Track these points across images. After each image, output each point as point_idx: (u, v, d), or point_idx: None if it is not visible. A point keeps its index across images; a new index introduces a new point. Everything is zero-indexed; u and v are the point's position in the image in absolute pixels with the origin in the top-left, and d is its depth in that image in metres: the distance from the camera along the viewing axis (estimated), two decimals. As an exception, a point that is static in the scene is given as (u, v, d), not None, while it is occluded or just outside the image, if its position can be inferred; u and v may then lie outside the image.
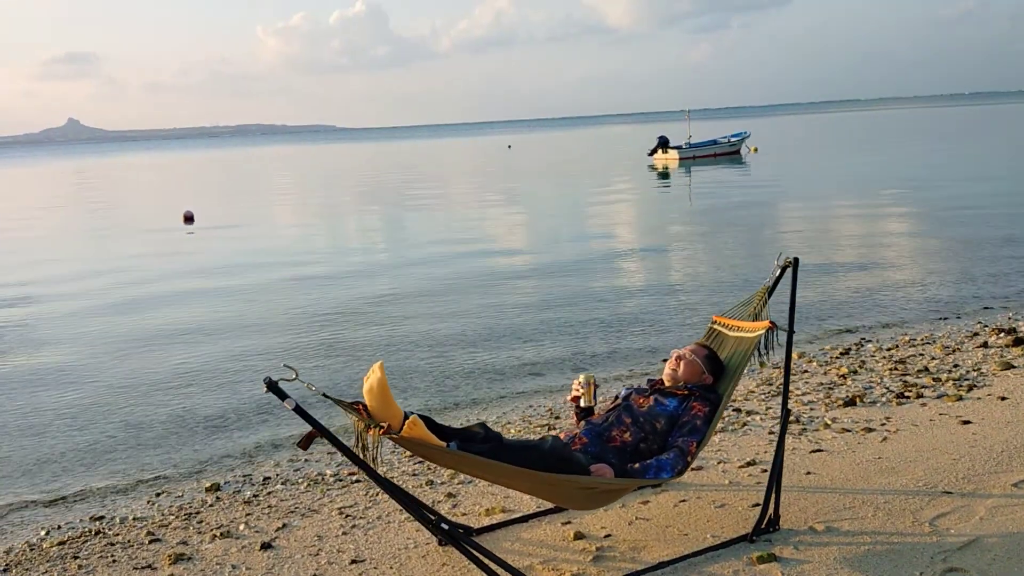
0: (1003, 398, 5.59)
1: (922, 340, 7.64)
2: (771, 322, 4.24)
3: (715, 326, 4.62)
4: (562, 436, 4.09)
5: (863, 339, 7.93)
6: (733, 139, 42.02)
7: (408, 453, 5.55)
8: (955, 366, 6.55)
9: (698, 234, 16.39)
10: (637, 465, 3.84)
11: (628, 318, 9.42)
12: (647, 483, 3.89)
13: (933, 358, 6.88)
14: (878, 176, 27.28)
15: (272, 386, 3.36)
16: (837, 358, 7.24)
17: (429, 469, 5.26)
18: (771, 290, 4.48)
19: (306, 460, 5.85)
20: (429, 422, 3.78)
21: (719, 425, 5.41)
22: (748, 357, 4.24)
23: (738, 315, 4.55)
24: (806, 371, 6.83)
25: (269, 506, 4.92)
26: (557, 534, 4.13)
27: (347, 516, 4.61)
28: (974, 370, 6.38)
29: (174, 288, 12.92)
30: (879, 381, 6.33)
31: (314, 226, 21.95)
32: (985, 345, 7.10)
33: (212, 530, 4.59)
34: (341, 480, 5.26)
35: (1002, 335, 7.40)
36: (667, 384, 4.27)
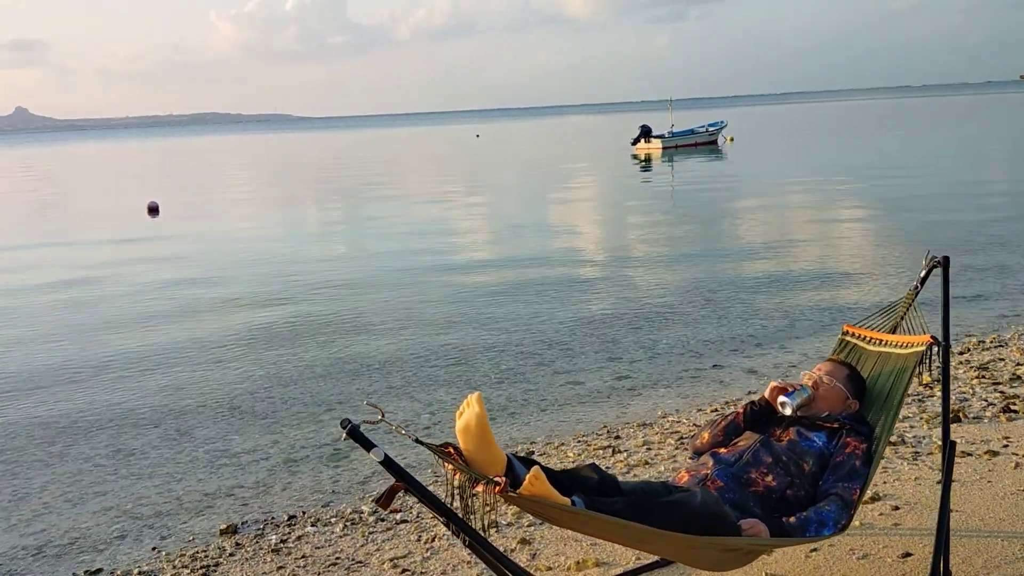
0: None
1: (992, 343, 7.02)
2: (932, 337, 3.52)
3: (849, 338, 3.89)
4: (684, 476, 3.33)
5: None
6: (711, 128, 41.55)
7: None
8: (1051, 373, 5.92)
9: (707, 227, 15.73)
10: (793, 519, 3.10)
11: (654, 316, 8.69)
12: (806, 543, 3.15)
13: (1018, 364, 6.25)
14: (861, 165, 26.91)
15: (354, 432, 2.57)
16: (907, 363, 6.58)
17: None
18: (917, 293, 3.79)
19: (334, 492, 5.03)
20: (530, 463, 3.02)
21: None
22: (907, 381, 3.51)
23: (877, 325, 3.85)
24: (881, 379, 6.14)
25: (303, 556, 4.11)
26: (677, 597, 3.38)
27: (404, 571, 3.81)
28: (1070, 377, 5.76)
29: (149, 289, 11.92)
30: (972, 392, 5.67)
31: (286, 221, 20.94)
32: (1071, 348, 6.49)
33: (240, 590, 3.78)
34: (384, 519, 4.46)
35: (1082, 336, 6.80)
36: (802, 412, 3.52)
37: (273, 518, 4.69)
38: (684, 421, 5.58)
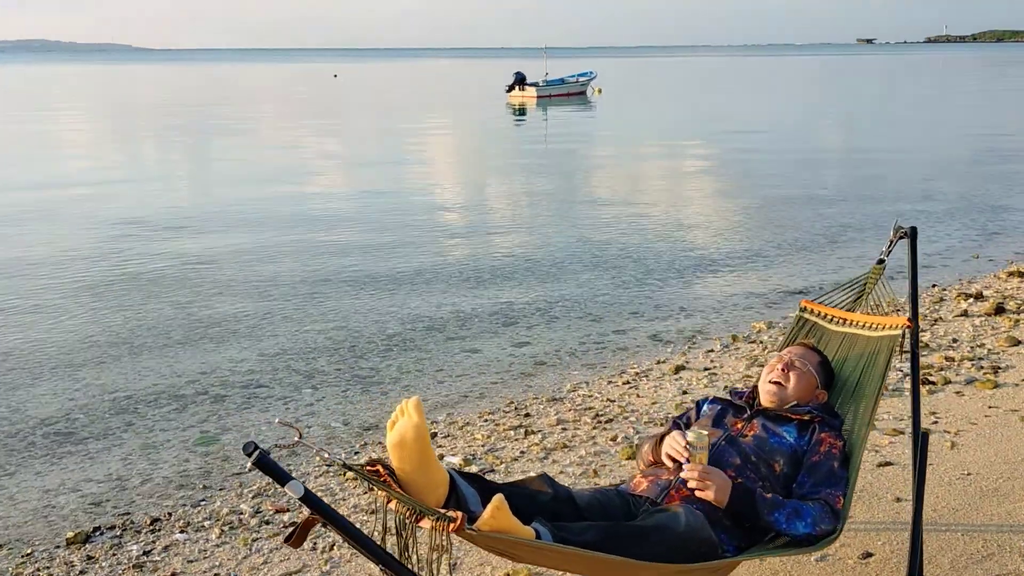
0: (1046, 385, 4.89)
1: (889, 307, 6.93)
2: (909, 319, 3.18)
3: (808, 316, 3.52)
4: (642, 482, 2.85)
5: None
6: (581, 79, 41.40)
7: (348, 476, 4.17)
8: (954, 340, 5.85)
9: (590, 182, 15.41)
10: (769, 495, 2.69)
11: (544, 276, 8.24)
12: (777, 548, 2.73)
13: (922, 331, 6.17)
14: (726, 121, 27.39)
15: (263, 460, 1.95)
16: (811, 329, 6.40)
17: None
18: (884, 266, 3.48)
19: (205, 486, 4.31)
20: (476, 480, 2.50)
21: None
22: (883, 369, 3.16)
23: (839, 302, 3.50)
24: (791, 347, 5.92)
25: (174, 574, 3.42)
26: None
27: (300, 589, 3.21)
28: (978, 346, 5.69)
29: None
30: (885, 361, 5.51)
31: (121, 162, 19.22)
32: (966, 314, 6.48)
33: (95, 624, 3.07)
34: (269, 523, 3.81)
35: (972, 301, 6.83)
36: (767, 404, 3.11)
37: (132, 522, 3.95)
38: (596, 395, 5.16)
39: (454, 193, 13.89)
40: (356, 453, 4.61)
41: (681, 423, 3.15)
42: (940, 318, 6.44)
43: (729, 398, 3.23)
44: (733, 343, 6.11)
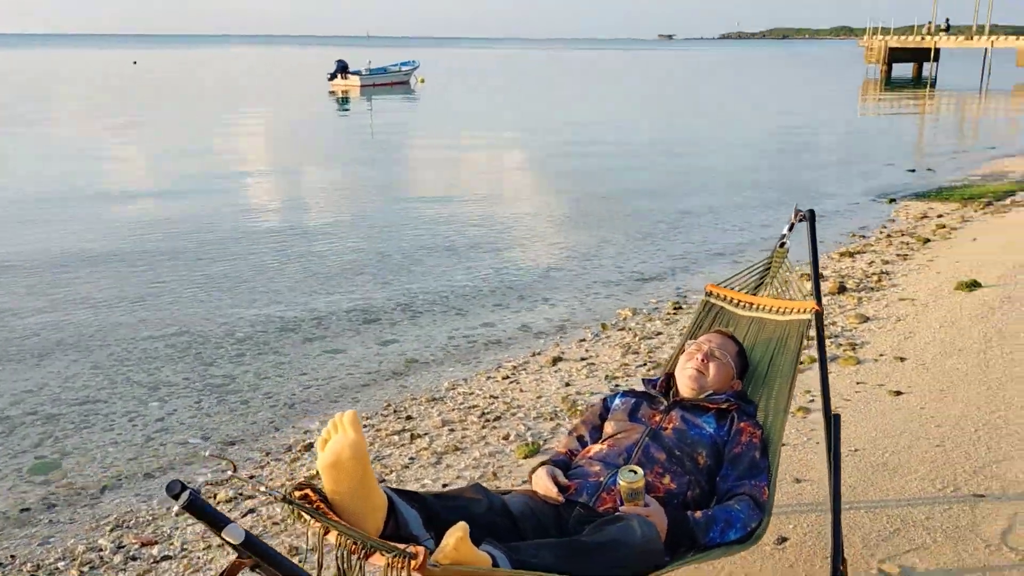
0: (901, 359, 5.14)
1: (796, 290, 7.16)
2: (817, 305, 3.19)
3: (714, 300, 3.47)
4: (571, 487, 2.67)
5: (680, 288, 7.30)
6: (404, 68, 40.88)
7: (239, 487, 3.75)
8: (808, 320, 6.07)
9: (425, 173, 15.13)
10: (699, 514, 2.59)
11: (396, 268, 7.94)
12: (708, 555, 2.61)
13: (777, 311, 6.38)
14: (552, 113, 27.84)
15: (194, 502, 1.62)
16: (672, 313, 6.50)
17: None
18: (786, 249, 3.50)
19: (52, 521, 3.77)
20: (413, 498, 2.28)
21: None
22: (795, 355, 3.16)
23: (742, 285, 3.48)
24: (660, 333, 5.97)
25: (28, 630, 2.94)
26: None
27: (188, 636, 2.83)
28: (831, 323, 5.95)
29: None
30: (751, 343, 5.64)
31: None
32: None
33: None
34: (136, 559, 3.36)
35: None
36: (687, 393, 3.02)
37: (-34, 571, 3.38)
38: (478, 392, 4.96)
39: (284, 188, 13.25)
40: (223, 471, 4.18)
41: (586, 431, 2.99)
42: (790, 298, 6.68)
43: (642, 388, 3.14)
44: (604, 331, 6.09)
